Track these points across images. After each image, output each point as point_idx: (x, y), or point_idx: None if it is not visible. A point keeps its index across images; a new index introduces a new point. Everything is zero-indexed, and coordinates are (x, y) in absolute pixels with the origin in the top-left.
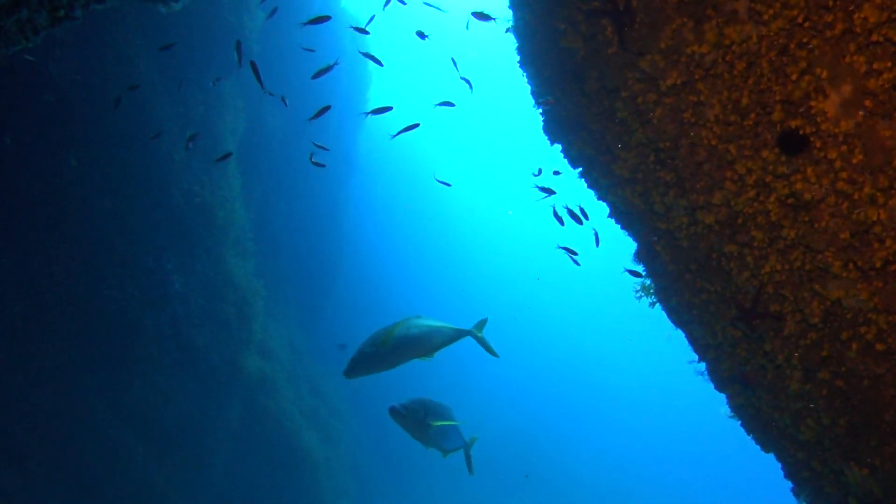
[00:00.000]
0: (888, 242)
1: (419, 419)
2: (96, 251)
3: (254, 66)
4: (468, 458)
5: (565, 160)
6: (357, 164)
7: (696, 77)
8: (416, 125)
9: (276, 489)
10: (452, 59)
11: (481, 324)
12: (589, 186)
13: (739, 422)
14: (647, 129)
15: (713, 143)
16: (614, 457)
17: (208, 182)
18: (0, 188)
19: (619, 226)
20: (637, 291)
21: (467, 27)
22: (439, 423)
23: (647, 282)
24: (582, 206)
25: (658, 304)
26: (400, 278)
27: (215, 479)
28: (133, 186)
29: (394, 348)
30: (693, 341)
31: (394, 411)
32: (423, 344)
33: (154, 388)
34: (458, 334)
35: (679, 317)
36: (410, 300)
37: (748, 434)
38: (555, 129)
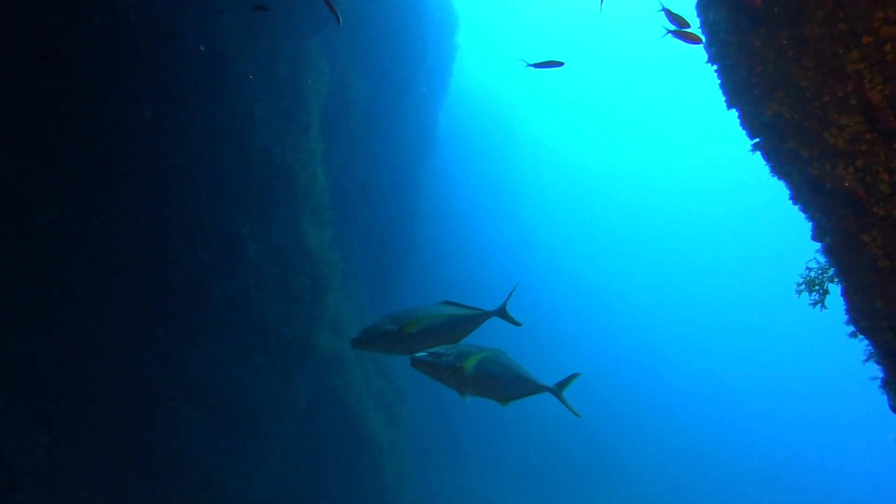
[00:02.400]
0: None
1: (449, 363)
2: (166, 210)
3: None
4: (564, 401)
5: (743, 130)
6: (438, 137)
7: None
8: (560, 63)
9: (338, 474)
10: None
11: (504, 305)
12: (769, 161)
13: None
14: (891, 85)
15: None
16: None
17: (290, 143)
18: (66, 137)
19: (802, 212)
20: (799, 285)
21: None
22: (473, 359)
23: (813, 275)
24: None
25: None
26: (477, 258)
27: (275, 463)
28: (209, 143)
29: (418, 334)
30: (887, 351)
31: (416, 361)
32: (446, 334)
33: (217, 360)
34: (482, 317)
35: (873, 322)
36: (483, 282)
37: None
38: (739, 87)
